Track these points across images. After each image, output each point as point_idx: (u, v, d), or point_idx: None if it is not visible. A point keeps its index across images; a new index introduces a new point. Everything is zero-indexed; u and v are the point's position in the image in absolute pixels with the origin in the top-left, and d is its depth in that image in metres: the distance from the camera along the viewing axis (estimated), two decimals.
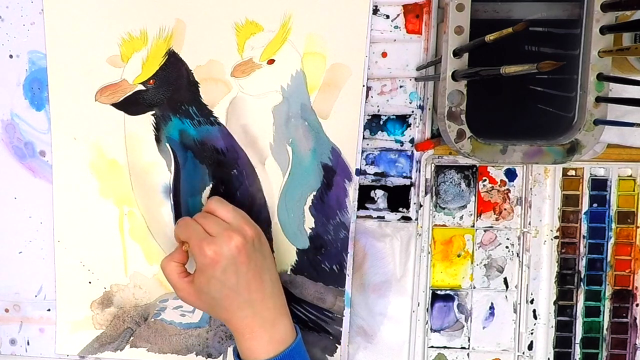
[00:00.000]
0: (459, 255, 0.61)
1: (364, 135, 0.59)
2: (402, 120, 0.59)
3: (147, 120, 0.58)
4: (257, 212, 0.59)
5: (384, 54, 0.58)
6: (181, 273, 0.54)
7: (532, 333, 0.61)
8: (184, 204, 0.60)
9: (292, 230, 0.60)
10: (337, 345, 0.61)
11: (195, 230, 0.52)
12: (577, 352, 0.61)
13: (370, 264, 0.61)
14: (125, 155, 0.59)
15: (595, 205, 0.60)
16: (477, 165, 0.60)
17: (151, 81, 0.57)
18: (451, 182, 0.60)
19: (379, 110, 0.59)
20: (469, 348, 0.61)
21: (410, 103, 0.59)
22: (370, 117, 0.59)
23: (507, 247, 0.60)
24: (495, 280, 0.61)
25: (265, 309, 0.53)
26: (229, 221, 0.53)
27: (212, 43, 0.57)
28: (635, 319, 0.61)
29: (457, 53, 0.49)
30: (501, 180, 0.60)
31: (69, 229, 0.60)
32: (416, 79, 0.58)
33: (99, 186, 0.59)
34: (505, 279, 0.61)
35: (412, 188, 0.60)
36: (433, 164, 0.59)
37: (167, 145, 0.59)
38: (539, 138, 0.52)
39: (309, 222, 0.60)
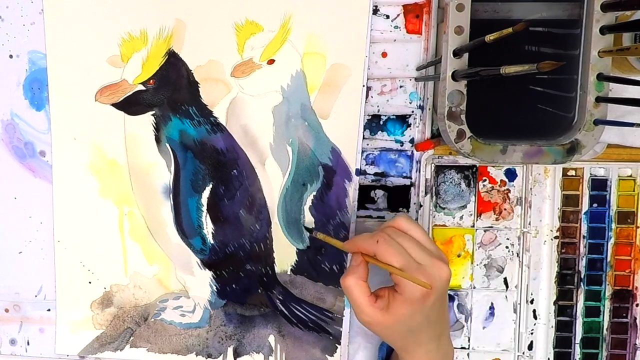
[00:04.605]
0: (459, 256, 0.61)
1: (364, 135, 0.59)
2: (402, 120, 0.59)
3: (147, 120, 0.58)
4: (257, 212, 0.59)
5: (384, 54, 0.58)
6: (371, 296, 0.47)
7: (532, 333, 0.61)
8: (184, 204, 0.60)
9: (292, 231, 0.60)
10: (337, 345, 0.61)
11: (405, 257, 0.46)
12: (577, 352, 0.61)
13: (371, 264, 0.60)
14: (125, 156, 0.59)
15: (595, 205, 0.60)
16: (477, 165, 0.60)
17: (151, 81, 0.57)
18: (451, 182, 0.60)
19: (379, 110, 0.59)
20: (469, 348, 0.61)
21: (410, 103, 0.58)
22: (370, 117, 0.59)
23: (507, 247, 0.60)
24: (495, 280, 0.61)
25: (446, 343, 0.50)
26: (428, 246, 0.48)
27: (212, 43, 0.57)
28: (635, 319, 0.61)
29: (457, 53, 0.49)
30: (501, 180, 0.60)
31: (69, 229, 0.60)
32: (416, 79, 0.58)
33: (98, 186, 0.59)
34: (505, 279, 0.61)
35: (412, 188, 0.60)
36: (433, 164, 0.59)
37: (167, 145, 0.59)
38: (539, 138, 0.52)
39: (309, 222, 0.60)
